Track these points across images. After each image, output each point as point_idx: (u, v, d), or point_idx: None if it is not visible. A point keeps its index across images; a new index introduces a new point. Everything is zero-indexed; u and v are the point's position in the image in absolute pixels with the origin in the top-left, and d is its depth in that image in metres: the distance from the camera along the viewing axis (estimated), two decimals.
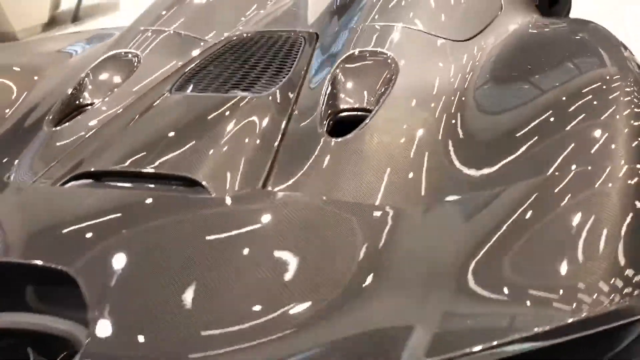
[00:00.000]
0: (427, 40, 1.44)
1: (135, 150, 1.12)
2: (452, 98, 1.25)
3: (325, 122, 1.19)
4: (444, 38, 1.47)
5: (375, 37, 1.43)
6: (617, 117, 1.01)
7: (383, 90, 1.26)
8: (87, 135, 1.22)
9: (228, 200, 0.95)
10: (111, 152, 1.13)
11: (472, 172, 1.01)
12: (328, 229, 0.86)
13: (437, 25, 1.51)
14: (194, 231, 0.87)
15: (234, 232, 0.86)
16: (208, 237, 0.85)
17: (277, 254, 0.82)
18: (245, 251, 0.82)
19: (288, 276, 0.78)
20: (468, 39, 1.54)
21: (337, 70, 1.32)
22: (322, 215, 0.90)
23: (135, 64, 1.47)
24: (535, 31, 1.66)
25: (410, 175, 1.03)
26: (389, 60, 1.33)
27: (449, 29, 1.52)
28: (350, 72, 1.32)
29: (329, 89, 1.27)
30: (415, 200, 0.97)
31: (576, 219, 0.79)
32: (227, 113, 1.22)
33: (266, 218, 0.90)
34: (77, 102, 1.37)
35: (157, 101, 1.30)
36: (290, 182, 1.03)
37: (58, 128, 1.28)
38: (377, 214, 0.90)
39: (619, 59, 1.33)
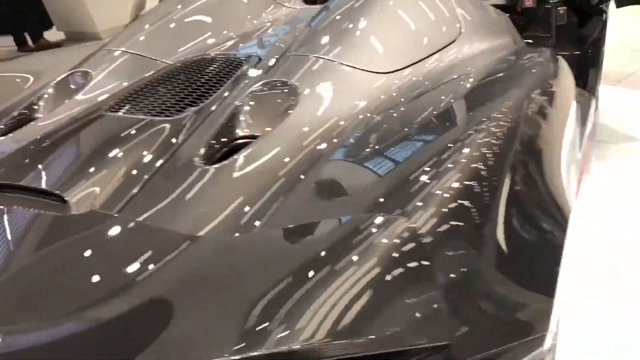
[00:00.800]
0: (342, 72, 1.48)
1: (38, 165, 1.27)
2: (338, 134, 1.30)
3: (208, 149, 1.27)
4: (364, 70, 1.51)
5: (292, 67, 1.50)
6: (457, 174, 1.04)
7: (276, 121, 1.32)
8: (13, 148, 1.39)
9: (60, 220, 1.06)
10: (18, 165, 1.28)
11: (309, 211, 1.06)
12: (127, 252, 0.95)
13: (359, 56, 1.54)
14: (14, 245, 1.00)
15: (42, 248, 0.98)
16: (20, 251, 0.98)
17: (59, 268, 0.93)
18: (42, 265, 0.94)
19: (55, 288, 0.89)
20: (397, 70, 1.56)
21: (245, 98, 1.40)
22: (129, 239, 0.99)
23: (86, 82, 1.63)
24: (472, 64, 1.67)
25: (259, 207, 1.10)
26: (293, 91, 1.40)
27: (375, 60, 1.55)
28: (253, 102, 1.39)
29: (227, 117, 1.35)
30: (247, 230, 1.04)
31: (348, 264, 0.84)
32: (129, 135, 1.33)
33: (77, 238, 1.01)
34: (27, 116, 1.55)
35: (84, 120, 1.44)
36: (146, 207, 1.12)
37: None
38: (188, 242, 0.98)
39: (515, 106, 1.34)
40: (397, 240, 0.87)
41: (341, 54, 1.53)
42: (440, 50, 1.75)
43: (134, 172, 1.22)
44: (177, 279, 0.88)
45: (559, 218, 1.24)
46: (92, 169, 1.22)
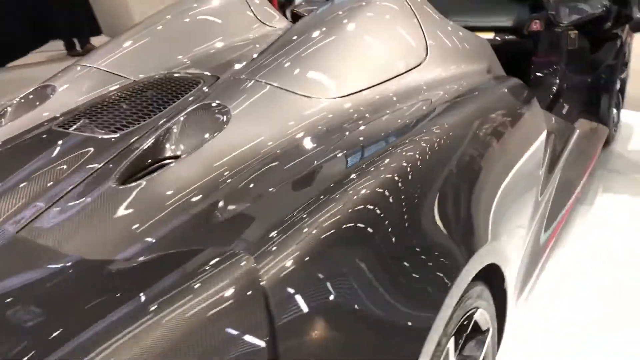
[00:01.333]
0: (280, 97, 1.49)
1: None
2: (249, 162, 1.31)
3: (127, 169, 1.30)
4: (303, 95, 1.51)
5: (232, 89, 1.53)
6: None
7: (198, 144, 1.35)
8: None
9: None
10: None
11: (190, 238, 1.09)
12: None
13: (301, 82, 1.54)
14: None
15: None
16: None
17: None
18: None
19: None
20: (343, 96, 1.56)
21: (178, 119, 1.44)
22: (8, 255, 1.05)
23: (49, 97, 1.71)
24: (429, 92, 1.66)
25: (144, 231, 1.12)
26: (223, 115, 1.42)
27: (318, 86, 1.55)
28: (184, 124, 1.42)
29: (155, 137, 1.39)
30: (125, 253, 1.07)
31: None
32: (63, 152, 1.38)
33: None
34: None
35: (29, 135, 1.51)
36: (46, 225, 1.16)
37: None
38: (56, 261, 1.02)
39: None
40: (229, 280, 0.89)
41: (283, 78, 1.55)
42: (398, 75, 1.74)
43: (51, 189, 1.27)
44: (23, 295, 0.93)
45: (456, 258, 1.21)
46: (16, 184, 1.28)
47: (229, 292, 0.87)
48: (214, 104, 1.47)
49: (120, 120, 1.51)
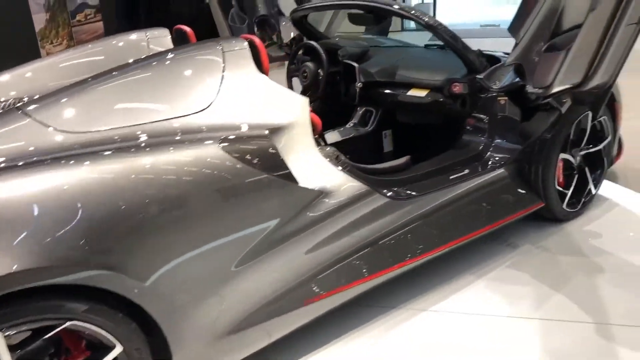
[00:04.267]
0: (25, 124, 1.89)
1: None
2: None
3: None
4: (49, 127, 1.88)
5: (3, 115, 1.97)
6: None
7: None
8: None
9: None
10: None
11: None
12: None
13: (56, 115, 1.92)
14: None
15: None
16: None
17: None
18: None
19: None
20: (85, 132, 1.90)
21: None
22: None
23: None
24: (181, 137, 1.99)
25: None
26: None
27: (67, 120, 1.92)
28: None
29: None
30: None
31: None
32: None
33: None
34: None
35: None
36: None
37: None
38: None
39: None
40: None
41: (42, 110, 1.94)
42: (167, 119, 2.00)
43: None
44: None
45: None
46: None
47: None
48: None
49: None
